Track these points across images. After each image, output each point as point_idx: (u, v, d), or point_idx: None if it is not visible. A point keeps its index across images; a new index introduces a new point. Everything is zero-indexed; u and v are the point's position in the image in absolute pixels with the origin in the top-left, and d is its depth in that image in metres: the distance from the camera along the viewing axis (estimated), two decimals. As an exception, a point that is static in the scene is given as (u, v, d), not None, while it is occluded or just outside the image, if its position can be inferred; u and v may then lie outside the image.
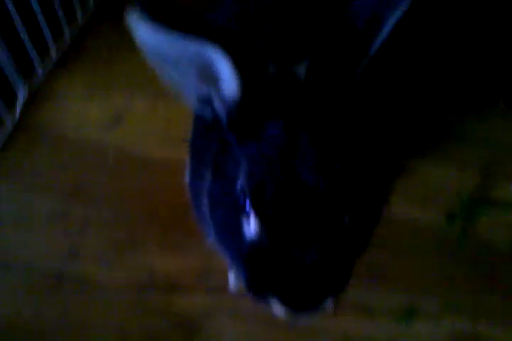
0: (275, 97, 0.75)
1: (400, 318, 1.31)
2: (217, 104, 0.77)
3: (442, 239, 1.44)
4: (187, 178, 1.09)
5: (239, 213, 0.79)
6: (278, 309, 0.77)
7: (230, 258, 0.88)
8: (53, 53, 1.79)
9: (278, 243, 0.73)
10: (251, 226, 0.77)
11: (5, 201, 1.50)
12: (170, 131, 1.67)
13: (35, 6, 1.62)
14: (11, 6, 1.51)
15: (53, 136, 1.64)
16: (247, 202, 0.76)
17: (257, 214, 0.75)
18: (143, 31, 0.65)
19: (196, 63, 0.71)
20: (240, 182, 0.77)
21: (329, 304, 0.76)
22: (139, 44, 0.68)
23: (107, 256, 1.40)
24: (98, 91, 1.76)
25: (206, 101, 0.77)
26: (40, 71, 1.75)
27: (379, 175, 0.94)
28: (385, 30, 0.73)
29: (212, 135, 0.96)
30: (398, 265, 1.39)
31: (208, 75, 0.73)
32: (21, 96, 1.68)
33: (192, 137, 1.09)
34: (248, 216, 0.77)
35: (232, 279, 1.32)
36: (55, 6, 1.71)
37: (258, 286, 0.77)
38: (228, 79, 0.71)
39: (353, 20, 0.73)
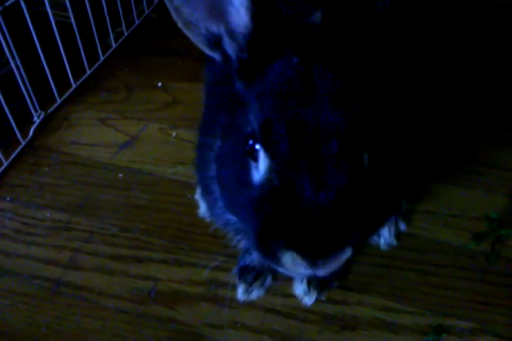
0: (289, 34, 0.74)
1: (428, 336, 1.18)
2: (226, 42, 0.75)
3: (470, 259, 1.35)
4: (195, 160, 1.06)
5: (246, 162, 0.74)
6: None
7: (239, 218, 0.82)
8: (72, 83, 1.84)
9: (289, 181, 0.67)
10: (260, 167, 0.71)
11: (8, 214, 1.45)
12: (182, 154, 1.65)
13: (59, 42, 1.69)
14: (36, 40, 1.58)
15: (63, 155, 1.63)
16: (257, 141, 0.72)
17: (266, 149, 0.70)
18: None
19: None
20: (250, 124, 0.74)
21: (348, 254, 0.68)
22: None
23: (109, 266, 1.32)
24: (113, 118, 1.77)
25: (216, 40, 0.76)
26: (57, 97, 1.78)
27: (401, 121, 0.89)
28: None
29: (220, 107, 0.95)
30: (425, 285, 1.29)
31: (219, 8, 0.72)
32: (37, 118, 1.70)
33: (202, 115, 1.08)
34: (257, 158, 0.72)
35: (241, 289, 1.22)
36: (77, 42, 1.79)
37: (270, 239, 0.70)
38: (239, 8, 0.70)
39: None
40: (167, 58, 2.04)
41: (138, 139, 1.70)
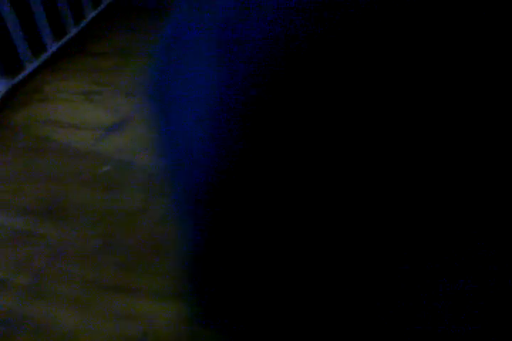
0: None
1: None
2: None
3: None
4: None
5: None
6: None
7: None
8: (50, 46, 1.43)
9: None
10: None
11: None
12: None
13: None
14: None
15: (33, 139, 1.23)
16: None
17: None
18: None
19: None
20: None
21: None
22: None
23: (79, 298, 0.93)
24: (99, 91, 1.37)
25: None
26: (26, 62, 1.38)
27: None
28: None
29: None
30: None
31: None
32: (-1, 89, 1.30)
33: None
34: None
35: None
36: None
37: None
38: None
39: None
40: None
41: (131, 120, 1.30)
